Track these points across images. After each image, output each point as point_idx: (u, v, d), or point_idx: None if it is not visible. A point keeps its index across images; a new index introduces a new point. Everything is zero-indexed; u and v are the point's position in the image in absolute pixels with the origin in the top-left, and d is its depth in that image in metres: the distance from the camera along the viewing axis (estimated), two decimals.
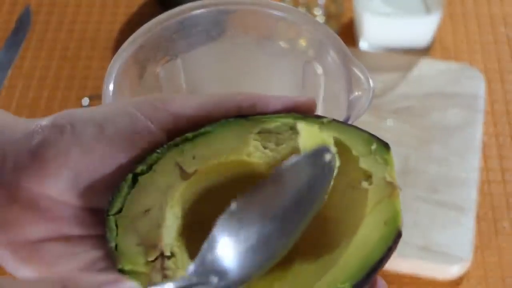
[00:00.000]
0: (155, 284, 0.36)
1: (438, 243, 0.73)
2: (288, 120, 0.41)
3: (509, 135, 0.83)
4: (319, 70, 0.60)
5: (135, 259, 0.38)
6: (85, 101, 0.86)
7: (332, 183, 0.39)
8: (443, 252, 0.72)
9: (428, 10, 0.86)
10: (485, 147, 0.82)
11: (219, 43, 0.61)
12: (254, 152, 0.40)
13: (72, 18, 0.95)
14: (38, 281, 0.31)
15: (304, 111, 0.42)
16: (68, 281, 0.31)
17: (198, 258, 0.35)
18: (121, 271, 0.38)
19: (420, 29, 0.87)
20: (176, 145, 0.40)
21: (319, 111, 0.62)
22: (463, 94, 0.84)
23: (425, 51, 0.89)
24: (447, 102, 0.83)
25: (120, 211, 0.39)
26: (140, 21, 0.94)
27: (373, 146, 0.40)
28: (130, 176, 0.39)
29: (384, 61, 0.87)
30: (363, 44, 0.89)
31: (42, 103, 0.87)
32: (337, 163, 0.39)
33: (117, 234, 0.38)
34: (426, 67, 0.86)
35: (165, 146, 0.40)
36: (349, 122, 0.54)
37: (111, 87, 0.52)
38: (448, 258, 0.72)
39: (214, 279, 0.35)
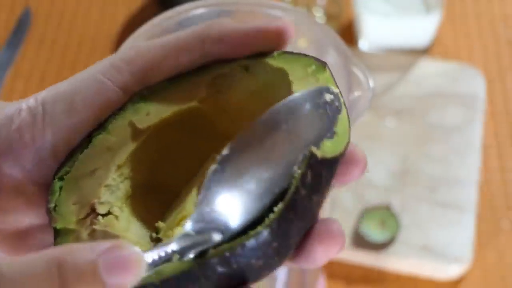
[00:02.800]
0: (155, 247, 0.33)
1: (438, 243, 0.73)
2: (243, 61, 0.38)
3: (508, 135, 0.83)
4: None
5: (68, 217, 0.36)
6: None
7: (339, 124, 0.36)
8: (443, 252, 0.72)
9: (428, 10, 0.86)
10: (485, 147, 0.82)
11: None
12: (208, 98, 0.38)
13: (72, 18, 0.95)
14: (32, 259, 0.30)
15: (277, 41, 0.38)
16: (63, 256, 0.30)
17: (195, 214, 0.33)
18: (55, 231, 0.37)
19: (420, 29, 0.87)
20: (133, 103, 0.38)
21: None
22: (463, 94, 0.84)
23: (425, 51, 0.89)
24: (447, 102, 0.83)
25: (67, 173, 0.37)
26: (140, 21, 0.94)
27: (311, 68, 0.38)
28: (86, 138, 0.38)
29: (384, 61, 0.87)
30: (363, 44, 0.89)
31: None
32: (342, 104, 0.36)
33: (59, 195, 0.37)
34: (426, 67, 0.86)
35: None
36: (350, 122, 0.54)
37: None
38: (448, 258, 0.72)
39: (217, 237, 0.33)
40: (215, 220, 0.33)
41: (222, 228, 0.33)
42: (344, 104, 0.36)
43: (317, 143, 0.34)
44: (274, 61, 0.38)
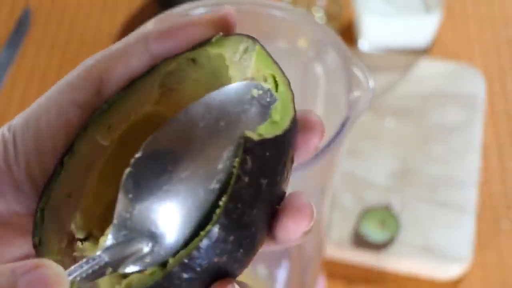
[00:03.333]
0: (83, 261, 0.32)
1: (438, 243, 0.73)
2: (188, 54, 0.37)
3: (508, 135, 0.83)
4: (319, 70, 0.60)
5: (51, 248, 0.36)
6: None
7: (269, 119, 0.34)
8: (443, 252, 0.72)
9: (428, 10, 0.86)
10: (485, 147, 0.82)
11: None
12: (161, 98, 0.37)
13: (72, 18, 0.95)
14: None
15: (218, 30, 0.37)
16: None
17: (115, 221, 0.32)
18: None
19: (420, 29, 0.87)
20: (93, 120, 0.37)
21: (319, 111, 0.62)
22: (463, 94, 0.84)
23: (425, 51, 0.89)
24: (447, 102, 0.83)
25: (46, 203, 0.37)
26: (140, 21, 0.94)
27: (243, 47, 0.36)
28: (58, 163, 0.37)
29: (384, 61, 0.87)
30: (363, 44, 0.89)
31: None
32: (274, 98, 0.35)
33: (42, 227, 0.36)
34: (426, 67, 0.86)
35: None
36: (349, 122, 0.54)
37: None
38: (448, 258, 0.72)
39: (145, 247, 0.31)
40: (138, 226, 0.32)
41: (148, 233, 0.32)
42: (284, 93, 0.35)
43: (250, 129, 0.33)
44: (212, 47, 0.36)
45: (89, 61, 0.37)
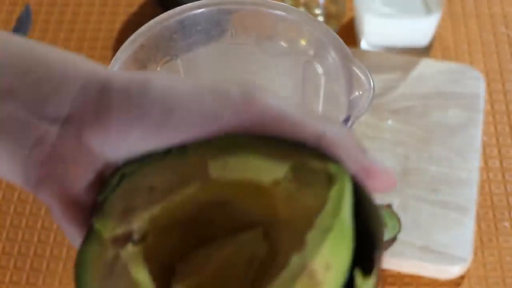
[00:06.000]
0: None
1: (438, 243, 0.73)
2: (331, 166, 0.35)
3: (509, 135, 0.83)
4: (319, 70, 0.60)
5: (107, 222, 0.36)
6: None
7: None
8: (443, 252, 0.72)
9: (428, 10, 0.86)
10: (485, 147, 0.82)
11: (219, 43, 0.61)
12: (278, 185, 0.36)
13: (72, 18, 0.95)
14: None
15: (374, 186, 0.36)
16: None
17: None
18: (91, 225, 0.36)
19: (420, 29, 0.87)
20: (213, 142, 0.36)
21: (319, 111, 0.62)
22: (463, 94, 0.84)
23: (425, 51, 0.89)
24: (447, 102, 0.83)
25: (131, 174, 0.37)
26: (140, 21, 0.94)
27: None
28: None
29: (384, 61, 0.87)
30: (363, 44, 0.89)
31: None
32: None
33: (113, 191, 0.37)
34: (426, 67, 0.86)
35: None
36: (349, 122, 0.54)
37: None
38: (448, 258, 0.72)
39: None
40: None
41: None
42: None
43: None
44: (346, 203, 0.34)
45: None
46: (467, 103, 0.83)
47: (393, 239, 0.73)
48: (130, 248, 0.36)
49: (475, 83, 0.85)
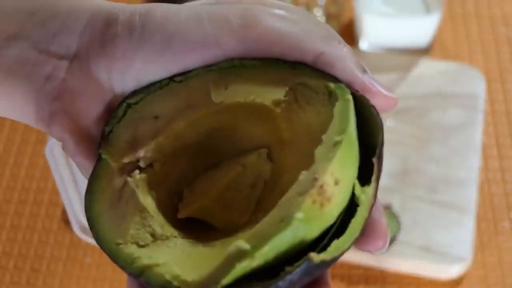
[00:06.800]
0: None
1: (438, 243, 0.73)
2: (330, 85, 0.36)
3: (509, 135, 0.83)
4: None
5: (114, 152, 0.37)
6: None
7: None
8: (443, 252, 0.72)
9: (428, 10, 0.86)
10: (485, 147, 0.82)
11: None
12: (283, 102, 0.37)
13: None
14: None
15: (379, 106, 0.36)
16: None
17: None
18: (99, 156, 0.37)
19: (420, 29, 0.87)
20: (220, 67, 0.37)
21: None
22: (463, 94, 0.84)
23: (425, 51, 0.89)
24: (447, 102, 0.83)
25: (136, 103, 0.38)
26: None
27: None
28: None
29: (384, 61, 0.87)
30: (363, 44, 0.89)
31: None
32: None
33: (119, 122, 0.38)
34: (426, 67, 0.86)
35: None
36: None
37: None
38: (448, 258, 0.72)
39: None
40: None
41: None
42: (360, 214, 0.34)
43: (323, 246, 0.33)
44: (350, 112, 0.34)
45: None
46: (466, 103, 0.83)
47: (393, 239, 0.73)
48: (137, 175, 0.36)
49: (474, 83, 0.85)
